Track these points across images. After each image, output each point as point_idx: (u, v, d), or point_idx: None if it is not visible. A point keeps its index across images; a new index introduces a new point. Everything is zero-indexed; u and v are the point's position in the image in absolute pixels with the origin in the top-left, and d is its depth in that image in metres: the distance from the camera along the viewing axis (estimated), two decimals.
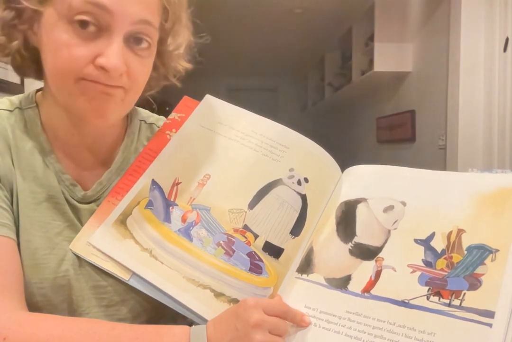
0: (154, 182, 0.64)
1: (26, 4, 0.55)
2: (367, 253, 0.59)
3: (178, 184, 0.64)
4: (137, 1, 0.55)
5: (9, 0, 0.56)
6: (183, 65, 0.69)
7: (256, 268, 0.59)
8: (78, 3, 0.53)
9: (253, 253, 0.59)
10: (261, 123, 0.68)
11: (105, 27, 0.54)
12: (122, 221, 0.62)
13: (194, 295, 0.56)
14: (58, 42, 0.54)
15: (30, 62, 0.61)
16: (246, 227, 0.61)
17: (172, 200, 0.63)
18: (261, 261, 0.59)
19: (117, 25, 0.54)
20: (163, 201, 0.63)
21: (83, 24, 0.53)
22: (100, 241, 0.60)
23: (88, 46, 0.54)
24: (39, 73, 0.63)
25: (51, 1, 0.54)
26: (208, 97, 0.72)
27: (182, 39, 0.66)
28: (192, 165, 0.65)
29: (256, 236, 0.60)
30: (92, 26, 0.54)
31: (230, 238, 0.60)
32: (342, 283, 0.58)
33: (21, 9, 0.56)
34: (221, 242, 0.60)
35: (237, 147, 0.66)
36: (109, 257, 0.60)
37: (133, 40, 0.57)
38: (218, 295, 0.57)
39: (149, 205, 0.63)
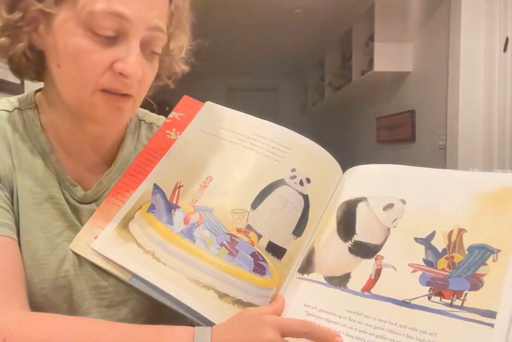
0: (156, 186, 0.64)
1: (39, 6, 0.54)
2: (366, 250, 0.59)
3: (180, 187, 0.64)
4: (152, 7, 0.56)
5: (18, 1, 0.55)
6: (182, 68, 0.70)
7: (259, 268, 0.58)
8: (100, 12, 0.53)
9: (256, 253, 0.59)
10: (262, 126, 0.68)
11: (122, 32, 0.55)
12: (125, 225, 0.62)
13: (198, 296, 0.56)
14: (77, 48, 0.54)
15: (35, 64, 0.60)
16: (249, 227, 0.60)
17: (174, 202, 0.63)
18: (265, 261, 0.59)
19: (134, 30, 0.55)
20: (165, 204, 0.63)
21: (103, 31, 0.54)
22: (103, 246, 0.60)
23: (105, 52, 0.54)
24: (39, 75, 0.63)
25: (66, 4, 0.54)
26: (208, 104, 0.72)
27: (182, 42, 0.66)
28: (194, 168, 0.66)
29: (259, 236, 0.60)
30: (110, 32, 0.54)
31: (233, 238, 0.60)
32: (341, 281, 0.57)
33: (28, 10, 0.55)
34: (225, 242, 0.59)
35: (239, 150, 0.66)
36: (111, 261, 0.59)
37: (146, 46, 0.57)
38: (222, 295, 0.56)
39: (151, 208, 0.63)
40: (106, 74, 0.55)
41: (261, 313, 0.52)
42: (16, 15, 0.55)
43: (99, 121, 0.60)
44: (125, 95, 0.58)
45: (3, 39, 0.56)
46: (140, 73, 0.56)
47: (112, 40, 0.55)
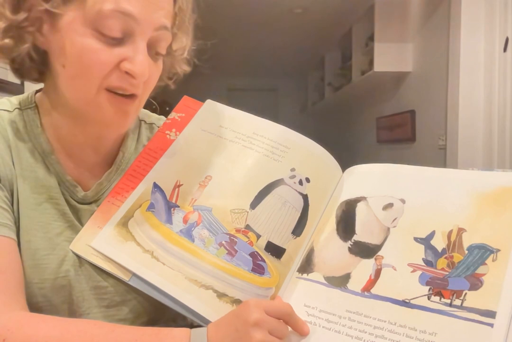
0: (155, 185, 0.64)
1: (46, 6, 0.53)
2: (366, 251, 0.59)
3: (179, 186, 0.64)
4: (158, 8, 0.56)
5: (23, 1, 0.55)
6: (184, 68, 0.70)
7: (258, 268, 0.59)
8: (108, 11, 0.52)
9: (255, 253, 0.59)
10: (262, 125, 0.68)
11: (129, 33, 0.55)
12: (124, 223, 0.62)
13: (196, 295, 0.56)
14: (84, 47, 0.54)
15: (38, 64, 0.60)
16: (248, 227, 0.60)
17: (173, 201, 0.63)
18: (264, 261, 0.59)
19: (141, 31, 0.55)
20: (164, 203, 0.63)
21: (111, 31, 0.53)
22: (102, 244, 0.60)
23: (112, 52, 0.54)
24: (41, 76, 0.63)
25: (73, 4, 0.53)
26: (208, 102, 0.72)
27: (185, 43, 0.66)
28: (193, 167, 0.66)
29: (258, 236, 0.60)
30: (117, 33, 0.54)
31: (232, 238, 0.60)
32: (341, 282, 0.57)
33: (33, 10, 0.55)
34: (223, 242, 0.59)
35: (238, 149, 0.66)
36: (111, 259, 0.60)
37: (152, 47, 0.58)
38: (220, 295, 0.56)
39: (151, 207, 0.63)
40: (112, 73, 0.55)
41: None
42: (21, 16, 0.55)
43: (103, 123, 0.60)
44: (131, 96, 0.58)
45: (7, 40, 0.56)
46: (147, 74, 0.56)
47: (119, 41, 0.55)
